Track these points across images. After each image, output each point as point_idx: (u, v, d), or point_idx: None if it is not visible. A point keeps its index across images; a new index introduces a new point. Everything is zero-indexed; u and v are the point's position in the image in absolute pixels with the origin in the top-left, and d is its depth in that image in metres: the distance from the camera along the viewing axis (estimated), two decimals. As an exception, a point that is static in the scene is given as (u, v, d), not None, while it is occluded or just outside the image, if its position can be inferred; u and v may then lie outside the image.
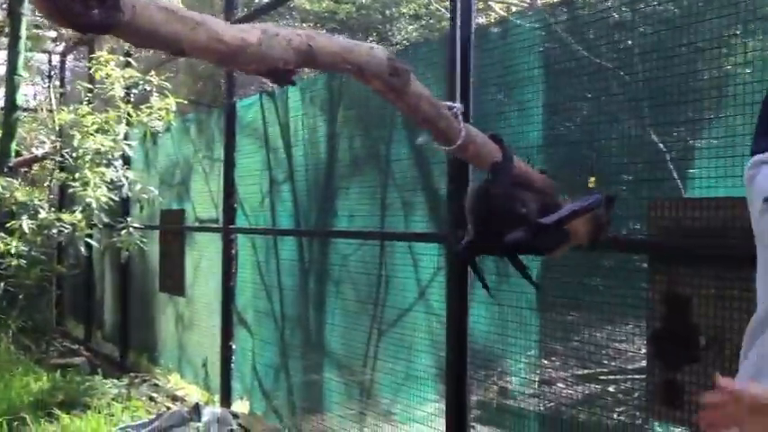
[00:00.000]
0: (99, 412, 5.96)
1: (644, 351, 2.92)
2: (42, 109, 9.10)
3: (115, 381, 6.86)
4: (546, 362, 3.46)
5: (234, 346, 5.93)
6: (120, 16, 1.51)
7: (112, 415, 5.94)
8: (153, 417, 5.75)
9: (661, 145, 2.85)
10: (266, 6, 6.59)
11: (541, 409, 3.41)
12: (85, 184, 6.70)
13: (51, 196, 9.07)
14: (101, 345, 8.88)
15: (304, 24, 11.02)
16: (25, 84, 9.98)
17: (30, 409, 6.01)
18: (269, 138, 5.66)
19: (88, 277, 9.21)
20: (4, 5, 8.98)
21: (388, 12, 11.31)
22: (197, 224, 6.90)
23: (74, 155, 6.96)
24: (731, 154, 2.52)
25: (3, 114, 8.29)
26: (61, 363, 7.87)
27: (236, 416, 5.67)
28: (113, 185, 6.87)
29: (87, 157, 6.77)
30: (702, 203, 2.63)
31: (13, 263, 7.32)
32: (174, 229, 7.29)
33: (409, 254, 4.28)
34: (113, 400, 6.33)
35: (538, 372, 3.47)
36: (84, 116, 6.96)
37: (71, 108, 7.44)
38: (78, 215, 6.89)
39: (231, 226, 5.93)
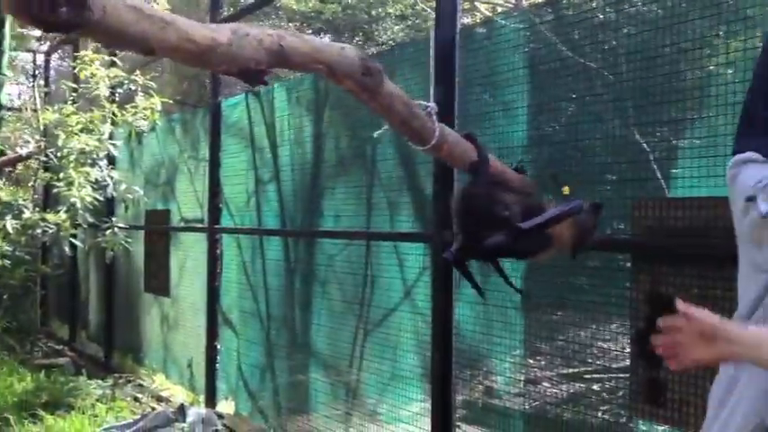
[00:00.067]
0: (83, 413, 5.94)
1: (628, 350, 2.93)
2: (27, 108, 9.04)
3: (100, 381, 6.83)
4: (531, 361, 3.47)
5: (219, 347, 5.92)
6: (88, 15, 1.50)
7: (97, 416, 5.92)
8: (137, 417, 5.73)
9: (645, 145, 2.86)
10: (252, 6, 6.57)
11: (527, 408, 3.42)
12: (70, 183, 6.66)
13: (36, 196, 9.03)
14: (85, 345, 8.84)
15: (290, 24, 11.01)
16: (9, 83, 9.90)
17: (14, 410, 5.97)
18: (254, 137, 5.65)
19: (73, 277, 9.16)
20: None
21: (374, 12, 11.31)
22: (182, 224, 6.88)
23: (58, 154, 6.92)
24: (713, 154, 2.53)
25: (-13, 114, 8.23)
26: (45, 363, 7.83)
27: (221, 416, 5.66)
28: (98, 185, 6.83)
29: (72, 157, 6.73)
30: (685, 203, 2.65)
31: (-3, 263, 7.28)
32: (159, 230, 7.27)
33: (395, 254, 4.28)
34: (98, 400, 6.30)
35: (523, 371, 3.48)
36: (68, 116, 6.92)
37: (56, 107, 7.39)
38: (63, 215, 6.85)
39: (216, 226, 5.91)
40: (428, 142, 2.24)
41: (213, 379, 5.91)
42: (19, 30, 8.85)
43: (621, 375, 3.10)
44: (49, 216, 6.99)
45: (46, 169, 7.66)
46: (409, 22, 11.15)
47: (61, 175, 6.79)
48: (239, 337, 5.81)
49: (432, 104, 2.26)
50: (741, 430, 1.57)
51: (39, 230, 7.02)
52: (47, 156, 7.34)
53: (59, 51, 10.70)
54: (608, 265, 3.09)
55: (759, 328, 1.57)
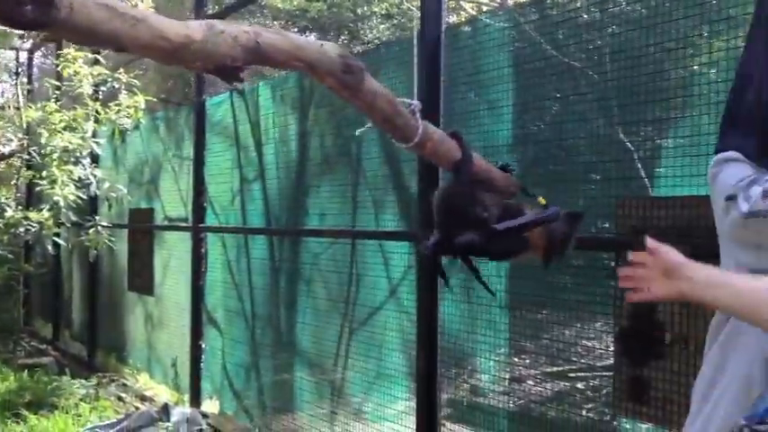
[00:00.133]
0: (67, 412, 5.91)
1: (612, 348, 2.95)
2: (9, 106, 8.96)
3: (83, 381, 6.80)
4: (516, 359, 3.48)
5: (204, 346, 5.90)
6: (54, 14, 1.49)
7: (80, 415, 5.89)
8: (121, 417, 5.70)
9: (629, 144, 2.87)
10: (236, 4, 6.55)
11: (511, 406, 3.43)
12: (53, 182, 6.61)
13: (18, 194, 8.96)
14: (69, 344, 8.80)
15: (275, 22, 10.99)
16: (-8, 81, 9.85)
17: (-4, 410, 5.94)
18: (239, 136, 5.64)
19: (56, 276, 9.12)
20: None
21: (359, 10, 11.30)
22: (166, 223, 6.85)
23: (41, 152, 6.88)
24: (696, 153, 2.55)
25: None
26: (29, 363, 7.79)
27: (205, 416, 5.64)
28: (81, 184, 6.79)
29: (55, 155, 6.69)
30: (669, 202, 2.66)
31: (-21, 262, 7.23)
32: (142, 228, 7.24)
33: (380, 252, 4.28)
34: (81, 400, 6.27)
35: (508, 369, 3.49)
36: (51, 113, 6.87)
37: (38, 105, 7.34)
38: (46, 213, 6.80)
39: (201, 225, 5.89)
40: (411, 140, 2.23)
41: (198, 378, 5.89)
42: (1, 27, 8.79)
43: (605, 374, 3.12)
44: (32, 214, 6.94)
45: (29, 167, 7.61)
46: (395, 21, 11.14)
47: (44, 173, 6.75)
48: (224, 337, 5.79)
49: (415, 102, 2.25)
50: (725, 424, 1.58)
51: (21, 229, 6.96)
52: (30, 154, 7.29)
53: (43, 49, 10.63)
54: (592, 264, 3.11)
55: (719, 270, 1.61)
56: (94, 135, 7.08)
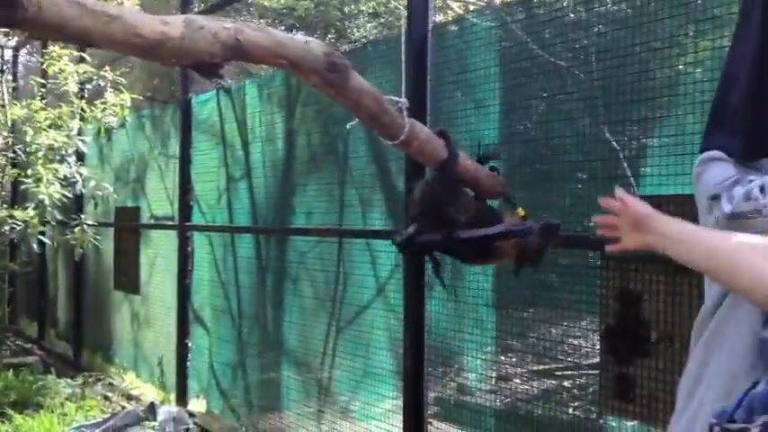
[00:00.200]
0: (52, 412, 5.88)
1: (598, 347, 2.96)
2: (-6, 104, 8.91)
3: (69, 380, 6.77)
4: (503, 358, 3.49)
5: (190, 345, 5.88)
6: (21, 13, 1.47)
7: (66, 414, 5.86)
8: (107, 416, 5.68)
9: (615, 143, 2.88)
10: (222, 2, 6.53)
11: (498, 404, 3.44)
12: (38, 180, 6.57)
13: (3, 193, 8.88)
14: (54, 343, 8.75)
15: (261, 20, 10.95)
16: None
17: (-19, 410, 5.90)
18: (226, 134, 5.62)
19: (41, 275, 9.07)
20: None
21: (346, 9, 11.29)
22: (152, 221, 6.83)
23: (26, 150, 6.83)
24: (681, 152, 2.56)
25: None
26: (14, 362, 7.73)
27: (192, 414, 5.63)
28: (67, 182, 6.75)
29: (40, 153, 6.65)
30: (654, 201, 2.66)
31: (-37, 260, 7.18)
32: (128, 227, 7.21)
33: (367, 251, 4.28)
34: (67, 399, 6.24)
35: (495, 368, 3.50)
36: (36, 111, 6.83)
37: (24, 103, 7.29)
38: (31, 212, 6.76)
39: (187, 223, 5.87)
40: (397, 138, 2.23)
41: (184, 377, 5.87)
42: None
43: (592, 372, 3.13)
44: (17, 213, 6.89)
45: (14, 165, 7.56)
46: (382, 20, 11.14)
47: (29, 171, 6.70)
48: (211, 335, 5.78)
49: (403, 100, 2.25)
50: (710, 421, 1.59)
51: (6, 227, 6.91)
52: (14, 152, 7.24)
53: (28, 47, 10.56)
54: (579, 263, 3.12)
55: (691, 224, 1.61)
56: (80, 133, 7.05)
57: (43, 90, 7.39)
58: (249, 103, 5.34)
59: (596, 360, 3.01)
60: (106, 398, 6.51)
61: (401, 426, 3.69)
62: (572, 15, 3.12)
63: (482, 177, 2.44)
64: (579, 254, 3.09)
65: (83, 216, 7.16)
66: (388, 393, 4.08)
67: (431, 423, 3.61)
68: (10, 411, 5.86)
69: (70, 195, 6.89)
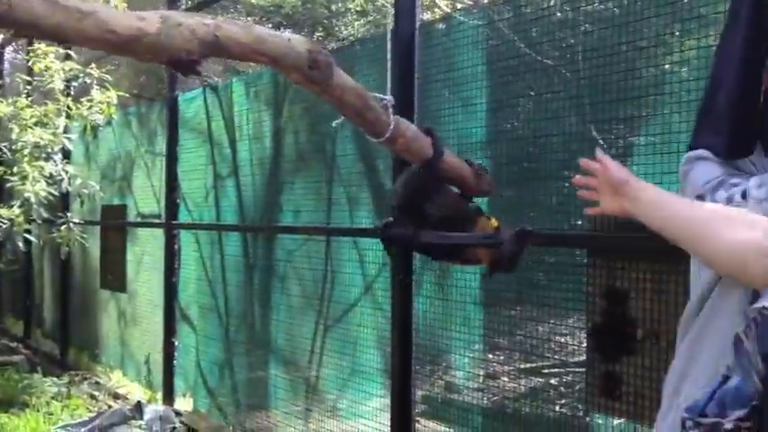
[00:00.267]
0: (38, 411, 5.86)
1: (585, 345, 2.97)
2: (-21, 101, 8.84)
3: (55, 379, 6.74)
4: (490, 356, 3.50)
5: (177, 343, 5.86)
6: None
7: (52, 413, 5.84)
8: (93, 415, 5.66)
9: (601, 141, 2.89)
10: (210, -1, 6.50)
11: (486, 402, 3.45)
12: (24, 178, 6.53)
13: (-12, 191, 8.84)
14: (40, 342, 8.70)
15: (248, 18, 10.92)
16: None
17: (-34, 409, 5.87)
18: (212, 132, 5.60)
19: (27, 273, 9.02)
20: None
21: (333, 7, 11.27)
22: (139, 219, 6.80)
23: (12, 148, 6.79)
24: (668, 150, 2.57)
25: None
26: (-1, 361, 7.71)
27: (178, 413, 5.61)
28: (53, 180, 6.71)
29: (26, 151, 6.60)
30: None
31: (-52, 259, 7.14)
32: (115, 225, 7.18)
33: (355, 249, 4.27)
34: (53, 398, 6.22)
35: (482, 366, 3.50)
36: (22, 109, 6.78)
37: (9, 101, 7.24)
38: (16, 210, 6.72)
39: (174, 221, 5.85)
40: (383, 135, 2.23)
41: (171, 376, 5.86)
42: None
43: (578, 370, 3.14)
44: (3, 211, 6.84)
45: (-1, 163, 7.52)
46: (370, 18, 11.13)
47: (15, 169, 6.66)
48: (198, 334, 5.76)
49: (388, 97, 2.25)
50: None
51: (-8, 226, 6.88)
52: (0, 149, 7.20)
53: (14, 44, 10.48)
54: (565, 261, 3.13)
55: (669, 193, 1.62)
56: (66, 131, 7.00)
57: (29, 87, 7.34)
58: (236, 101, 5.33)
59: (583, 358, 3.02)
60: (92, 397, 6.49)
61: (389, 424, 3.69)
62: (559, 14, 3.13)
63: (467, 176, 2.45)
64: (566, 252, 3.10)
65: (69, 214, 7.11)
66: (375, 392, 4.08)
67: (418, 421, 3.61)
68: (-5, 411, 5.83)
69: (56, 193, 6.85)
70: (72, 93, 7.16)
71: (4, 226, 6.79)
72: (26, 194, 6.49)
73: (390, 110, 2.23)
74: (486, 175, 2.56)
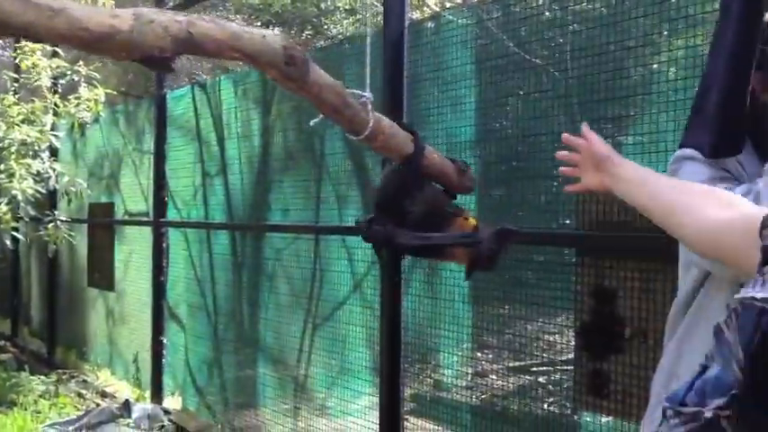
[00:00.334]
0: (25, 409, 5.83)
1: (573, 343, 2.98)
2: (-35, 99, 8.79)
3: (42, 377, 6.71)
4: (479, 354, 3.51)
5: (165, 341, 5.85)
6: None
7: (39, 412, 5.82)
8: (81, 413, 5.64)
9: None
10: (198, -3, 6.48)
11: (474, 400, 3.46)
12: (11, 175, 6.49)
13: (-25, 189, 8.79)
14: (28, 341, 8.66)
15: (237, 16, 10.89)
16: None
17: (-47, 408, 5.84)
18: (201, 130, 5.59)
19: (14, 271, 8.97)
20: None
21: (323, 5, 11.25)
22: (127, 217, 6.78)
23: (-1, 145, 6.76)
24: (656, 150, 2.58)
25: None
26: (-14, 359, 7.67)
27: (167, 412, 5.60)
28: (40, 177, 6.68)
29: (13, 149, 6.56)
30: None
31: (-66, 257, 7.09)
32: (102, 223, 7.15)
33: (344, 248, 4.28)
34: (40, 396, 6.19)
35: (471, 364, 3.51)
36: (9, 106, 6.74)
37: (-4, 98, 7.21)
38: (4, 208, 6.68)
39: (162, 219, 5.84)
40: (362, 132, 2.22)
41: (159, 374, 5.84)
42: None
43: (567, 368, 3.15)
44: (-11, 209, 6.82)
45: (-15, 161, 7.48)
46: (359, 17, 11.11)
47: (2, 166, 6.62)
48: (186, 332, 5.75)
49: (367, 94, 2.24)
50: None
51: (-22, 224, 6.84)
52: (-14, 147, 7.16)
53: (0, 41, 10.42)
54: (554, 260, 3.14)
55: (648, 170, 1.63)
56: (53, 128, 6.97)
57: (16, 85, 7.30)
58: (224, 99, 5.32)
59: (571, 356, 3.03)
60: (80, 395, 6.47)
61: (377, 422, 3.69)
62: (547, 14, 3.14)
63: (449, 173, 2.44)
64: (554, 251, 3.11)
65: (56, 212, 7.08)
66: (364, 390, 4.08)
67: (407, 419, 3.62)
68: (-18, 409, 5.81)
69: (43, 191, 6.81)
70: (59, 90, 7.12)
71: (-9, 224, 6.76)
72: (13, 192, 6.45)
73: (369, 107, 2.22)
74: (470, 171, 2.56)
